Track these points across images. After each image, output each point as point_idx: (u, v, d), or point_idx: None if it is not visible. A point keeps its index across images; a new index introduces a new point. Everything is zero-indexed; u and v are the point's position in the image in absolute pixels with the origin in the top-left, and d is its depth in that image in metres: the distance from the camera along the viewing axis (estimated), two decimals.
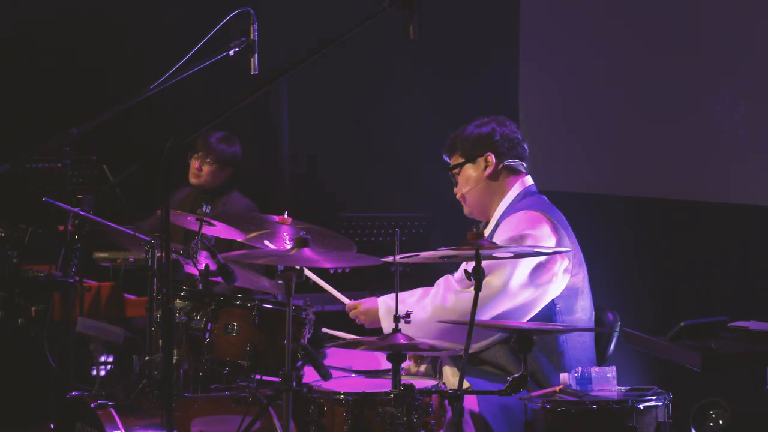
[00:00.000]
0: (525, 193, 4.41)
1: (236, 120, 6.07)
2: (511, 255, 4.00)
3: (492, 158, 4.43)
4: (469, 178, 4.46)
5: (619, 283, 5.54)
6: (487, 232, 4.40)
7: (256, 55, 4.14)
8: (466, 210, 4.55)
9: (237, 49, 4.16)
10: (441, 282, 4.28)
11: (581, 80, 6.21)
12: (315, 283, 4.62)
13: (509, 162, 4.44)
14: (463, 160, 4.47)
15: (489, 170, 4.43)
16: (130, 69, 6.53)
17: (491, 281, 4.16)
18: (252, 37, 4.15)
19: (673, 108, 5.62)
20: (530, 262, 4.19)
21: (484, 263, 4.00)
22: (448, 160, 4.56)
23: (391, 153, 7.04)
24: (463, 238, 3.77)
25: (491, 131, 4.45)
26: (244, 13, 4.17)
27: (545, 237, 4.23)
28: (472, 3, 6.82)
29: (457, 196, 4.53)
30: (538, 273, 4.21)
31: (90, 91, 6.84)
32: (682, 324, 3.78)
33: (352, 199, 6.89)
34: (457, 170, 4.48)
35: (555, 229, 4.27)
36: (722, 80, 5.35)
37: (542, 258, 4.19)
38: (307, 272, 4.51)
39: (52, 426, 4.29)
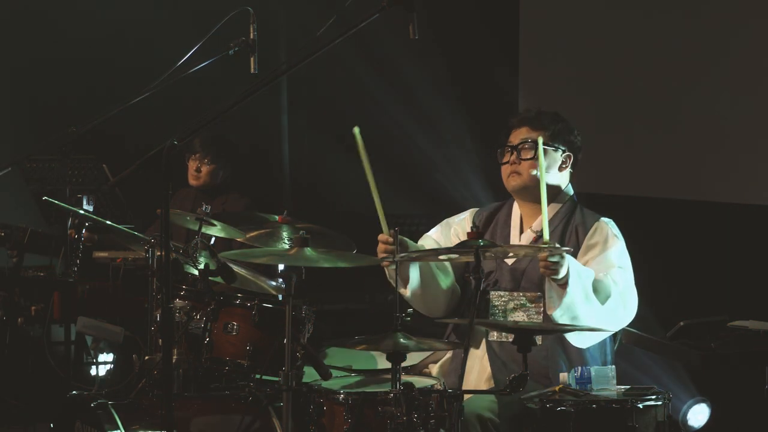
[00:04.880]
0: (574, 200, 4.40)
1: (236, 120, 6.08)
2: (511, 255, 4.02)
3: (571, 160, 4.38)
4: (546, 164, 4.27)
5: None
6: (537, 226, 4.34)
7: (256, 54, 4.14)
8: (515, 182, 4.36)
9: (237, 49, 4.16)
10: (622, 299, 4.18)
11: (581, 81, 6.21)
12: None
13: (572, 170, 4.42)
14: (550, 142, 4.32)
15: (564, 169, 4.38)
16: (130, 68, 6.53)
17: (631, 305, 4.18)
18: (252, 37, 4.15)
19: (673, 108, 5.63)
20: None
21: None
22: (514, 122, 4.38)
23: (391, 153, 7.04)
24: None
25: (576, 133, 4.40)
26: (244, 13, 4.17)
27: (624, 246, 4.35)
28: (472, 3, 6.83)
29: (512, 167, 4.35)
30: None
31: (90, 90, 6.85)
32: (681, 323, 3.79)
33: (352, 199, 6.89)
34: (544, 149, 4.26)
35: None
36: (722, 79, 5.35)
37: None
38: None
39: (52, 426, 4.28)
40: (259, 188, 6.68)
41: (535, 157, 4.28)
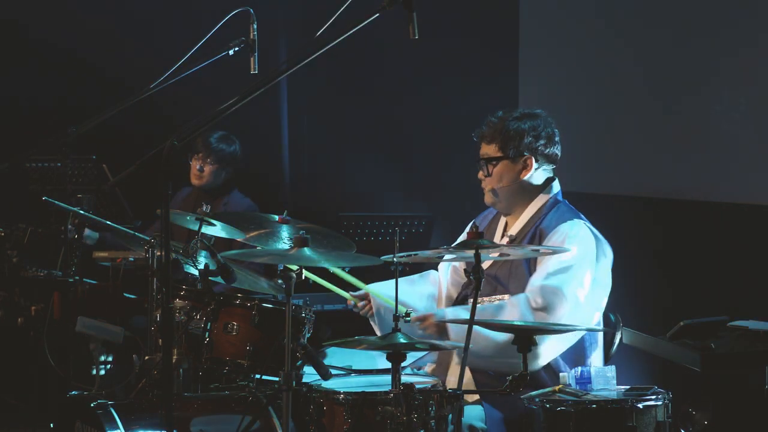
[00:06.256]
0: (555, 200, 4.38)
1: (236, 120, 6.08)
2: (509, 255, 4.02)
3: (532, 162, 4.35)
4: (504, 175, 4.36)
5: (620, 283, 5.53)
6: (514, 230, 4.38)
7: (256, 54, 4.14)
8: (487, 200, 4.44)
9: (237, 49, 4.16)
10: (520, 301, 4.17)
11: (581, 80, 6.21)
12: (316, 283, 4.61)
13: (546, 167, 4.40)
14: (501, 155, 4.36)
15: (526, 173, 4.36)
16: (130, 69, 6.53)
17: (558, 312, 4.15)
18: (252, 37, 4.16)
19: (673, 107, 5.62)
20: (591, 288, 4.23)
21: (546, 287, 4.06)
22: (476, 140, 4.44)
23: (392, 152, 7.04)
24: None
25: (536, 132, 4.35)
26: (244, 13, 4.17)
27: (597, 256, 4.28)
28: (472, 3, 6.82)
29: (485, 187, 4.42)
30: (598, 295, 4.27)
31: (90, 90, 6.85)
32: (682, 324, 3.78)
33: (352, 199, 6.89)
34: (492, 162, 4.37)
35: (600, 241, 4.33)
36: (722, 79, 5.35)
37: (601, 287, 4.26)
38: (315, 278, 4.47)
39: (52, 426, 4.29)
40: (259, 188, 6.68)
41: (489, 174, 4.37)
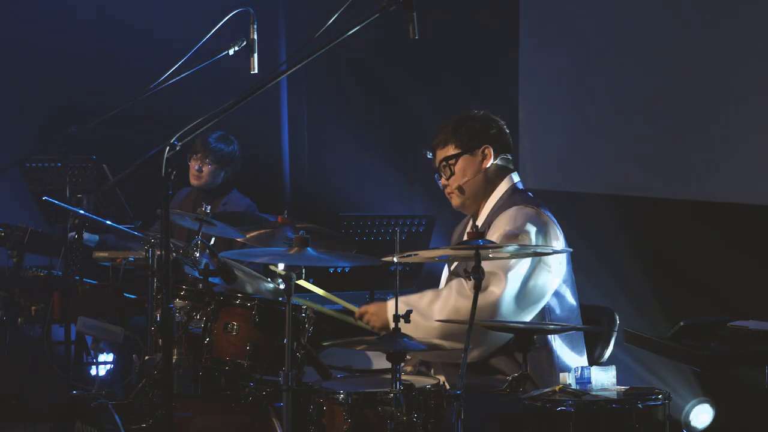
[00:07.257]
0: (514, 190, 4.41)
1: (236, 120, 6.09)
2: (509, 255, 4.00)
3: (490, 151, 4.41)
4: (466, 169, 4.41)
5: (620, 283, 5.54)
6: (479, 222, 4.40)
7: (256, 54, 4.14)
8: (455, 202, 4.49)
9: (237, 49, 4.16)
10: (453, 284, 4.23)
11: (581, 80, 6.21)
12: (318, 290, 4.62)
13: (503, 156, 4.44)
14: (460, 151, 4.42)
15: (486, 162, 4.41)
16: (130, 69, 6.53)
17: (494, 291, 4.13)
18: (252, 37, 4.16)
19: (673, 107, 5.62)
20: (524, 273, 4.17)
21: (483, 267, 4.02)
22: (430, 156, 4.51)
23: (392, 152, 7.05)
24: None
25: (488, 124, 4.44)
26: (244, 13, 4.17)
27: (539, 234, 4.24)
28: (472, 3, 6.83)
29: (446, 189, 4.47)
30: (542, 278, 4.21)
31: (90, 91, 6.85)
32: (682, 323, 3.78)
33: (352, 199, 6.90)
34: (452, 161, 4.42)
35: (547, 225, 4.28)
36: (721, 79, 5.35)
37: (538, 269, 4.19)
38: (309, 285, 4.51)
39: (52, 426, 4.29)
40: (259, 188, 6.68)
41: (453, 173, 4.42)
